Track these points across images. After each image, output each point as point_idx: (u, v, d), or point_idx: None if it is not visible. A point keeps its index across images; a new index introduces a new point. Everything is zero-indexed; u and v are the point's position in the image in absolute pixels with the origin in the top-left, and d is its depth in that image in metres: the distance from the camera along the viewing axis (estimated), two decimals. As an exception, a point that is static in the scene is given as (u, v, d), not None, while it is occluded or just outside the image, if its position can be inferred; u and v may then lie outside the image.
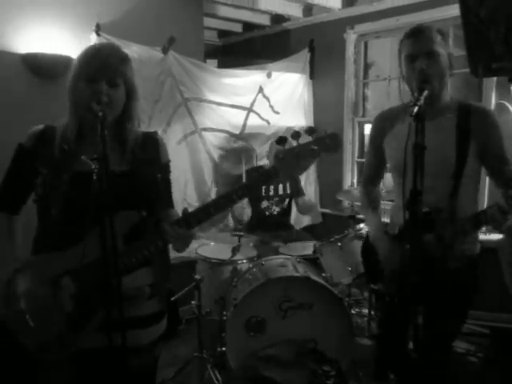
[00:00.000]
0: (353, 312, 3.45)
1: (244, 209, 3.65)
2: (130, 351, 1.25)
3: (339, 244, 2.84)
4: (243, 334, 2.53)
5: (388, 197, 2.83)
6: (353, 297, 3.38)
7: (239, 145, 3.91)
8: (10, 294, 1.36)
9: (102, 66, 1.34)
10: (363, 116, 4.18)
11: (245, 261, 2.93)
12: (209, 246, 3.29)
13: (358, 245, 2.78)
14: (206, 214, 1.40)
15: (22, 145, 1.43)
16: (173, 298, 2.75)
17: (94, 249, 1.31)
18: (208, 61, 4.06)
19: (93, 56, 1.36)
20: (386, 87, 3.96)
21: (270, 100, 4.06)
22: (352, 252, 2.81)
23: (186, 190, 3.56)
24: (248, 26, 4.75)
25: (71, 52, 2.86)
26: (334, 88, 4.22)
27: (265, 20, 4.57)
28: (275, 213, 3.67)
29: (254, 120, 3.98)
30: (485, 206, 3.23)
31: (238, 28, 4.82)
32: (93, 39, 2.95)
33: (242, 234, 3.12)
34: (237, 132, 3.89)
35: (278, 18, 4.50)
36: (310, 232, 3.94)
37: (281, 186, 3.66)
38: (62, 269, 1.35)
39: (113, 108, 1.37)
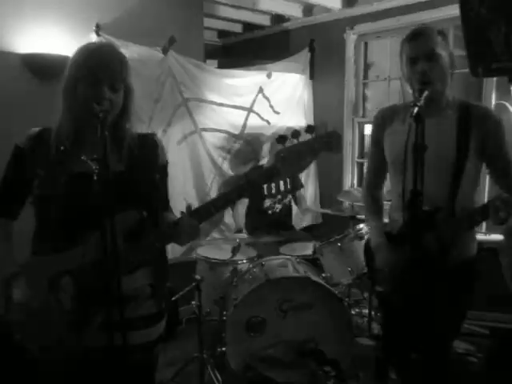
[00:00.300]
0: (353, 312, 3.45)
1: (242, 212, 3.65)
2: (129, 351, 1.24)
3: (339, 244, 2.84)
4: (243, 334, 2.53)
5: (388, 196, 2.82)
6: (353, 297, 3.39)
7: (243, 146, 3.90)
8: (9, 296, 1.36)
9: (105, 70, 1.33)
10: (363, 116, 4.18)
11: (245, 261, 2.94)
12: (209, 246, 3.29)
13: (358, 245, 2.78)
14: (207, 213, 1.40)
15: (19, 147, 1.42)
16: (173, 298, 2.76)
17: (94, 249, 1.31)
18: (208, 61, 4.06)
19: (94, 59, 1.34)
20: (385, 87, 3.96)
21: (270, 100, 4.06)
22: (352, 252, 2.81)
23: (186, 189, 3.56)
24: (248, 27, 4.75)
25: (71, 52, 2.85)
26: (334, 88, 4.22)
27: (265, 20, 4.57)
28: (278, 211, 3.67)
29: (254, 120, 3.97)
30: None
31: (238, 28, 4.82)
32: (93, 39, 2.94)
33: (243, 235, 3.13)
34: (237, 132, 3.89)
35: (278, 19, 4.50)
36: (310, 232, 3.94)
37: (282, 183, 3.65)
38: (62, 269, 1.35)
39: (113, 111, 1.37)
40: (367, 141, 4.17)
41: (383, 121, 1.91)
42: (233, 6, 4.07)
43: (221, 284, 2.87)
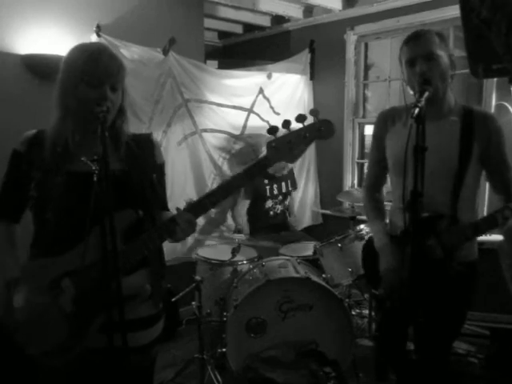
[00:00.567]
0: (353, 313, 3.44)
1: (243, 211, 3.65)
2: (127, 353, 1.24)
3: (339, 245, 2.84)
4: (244, 335, 2.53)
5: (389, 197, 2.82)
6: (353, 298, 3.38)
7: (243, 147, 3.90)
8: (9, 301, 1.36)
9: (106, 71, 1.33)
10: (363, 117, 4.18)
11: (245, 262, 2.93)
12: (209, 247, 3.29)
13: (358, 246, 2.78)
14: (202, 208, 1.40)
15: (16, 150, 1.42)
16: (173, 299, 2.75)
17: (93, 250, 1.31)
18: (208, 62, 4.06)
19: (95, 60, 1.33)
20: (386, 88, 3.96)
21: (270, 101, 4.06)
22: (352, 253, 2.81)
23: (186, 190, 3.56)
24: (248, 27, 4.75)
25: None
26: (334, 89, 4.23)
27: (265, 21, 4.57)
28: (279, 211, 3.68)
29: (254, 121, 3.97)
30: (484, 209, 3.23)
31: (238, 29, 4.82)
32: (93, 40, 2.95)
33: (243, 235, 3.13)
34: (237, 133, 3.89)
35: (278, 19, 4.50)
36: (311, 233, 3.95)
37: (283, 184, 3.67)
38: (61, 272, 1.34)
39: (113, 111, 1.37)
40: (367, 141, 4.17)
41: (385, 123, 1.91)
42: (233, 7, 4.07)
43: (221, 285, 2.87)
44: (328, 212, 4.04)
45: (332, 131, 1.36)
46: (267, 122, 4.04)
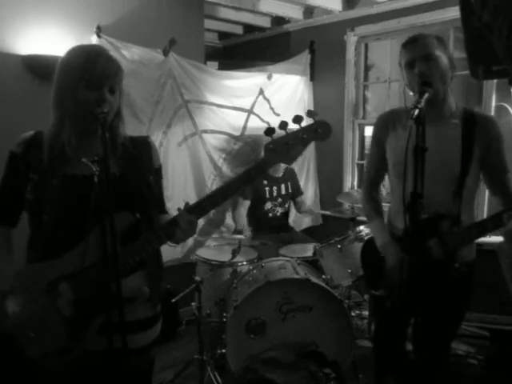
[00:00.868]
0: (353, 314, 3.44)
1: (243, 212, 3.65)
2: (126, 355, 1.24)
3: (339, 246, 2.84)
4: (243, 336, 2.53)
5: (388, 198, 2.83)
6: (353, 299, 3.38)
7: (241, 147, 3.91)
8: (5, 307, 1.35)
9: (104, 74, 1.33)
10: (363, 118, 4.18)
11: (245, 262, 2.94)
12: (209, 247, 3.29)
13: (358, 247, 2.77)
14: (201, 211, 1.40)
15: (13, 152, 1.41)
16: (173, 300, 2.75)
17: (92, 251, 1.31)
18: (208, 63, 4.06)
19: (94, 62, 1.33)
20: (386, 89, 3.96)
21: (270, 102, 4.06)
22: (352, 254, 2.81)
23: (186, 191, 3.56)
24: (249, 28, 4.76)
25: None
26: (334, 90, 4.23)
27: (265, 22, 4.57)
28: (278, 214, 3.68)
29: (254, 122, 3.97)
30: (484, 209, 3.24)
31: (238, 30, 4.83)
32: (94, 41, 2.95)
33: (243, 236, 3.13)
34: (237, 134, 3.89)
35: (278, 20, 4.50)
36: (311, 234, 3.95)
37: (283, 187, 3.67)
38: (58, 275, 1.34)
39: (111, 113, 1.37)
40: (367, 142, 4.17)
41: (386, 126, 1.91)
42: (233, 8, 4.08)
43: (221, 286, 2.87)
44: (328, 213, 4.04)
45: (329, 132, 1.37)
46: (267, 122, 4.04)
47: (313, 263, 2.97)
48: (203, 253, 3.07)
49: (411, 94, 1.75)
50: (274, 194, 3.63)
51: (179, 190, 3.47)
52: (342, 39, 4.06)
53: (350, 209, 3.43)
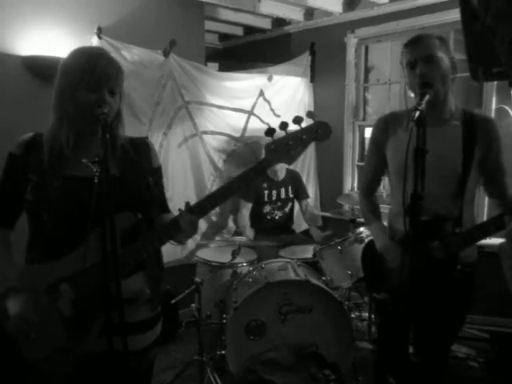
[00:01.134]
0: (353, 316, 3.44)
1: (245, 217, 3.65)
2: (127, 356, 1.24)
3: (339, 248, 2.84)
4: (243, 337, 2.53)
5: (388, 200, 2.83)
6: (353, 300, 3.38)
7: (240, 148, 3.91)
8: (5, 309, 1.35)
9: (104, 76, 1.33)
10: (364, 120, 4.18)
11: (245, 264, 2.93)
12: (209, 248, 3.29)
13: (358, 248, 2.78)
14: (201, 211, 1.40)
15: (12, 153, 1.41)
16: (173, 301, 2.75)
17: (93, 252, 1.31)
18: (209, 64, 4.07)
19: (94, 64, 1.33)
20: (386, 91, 3.96)
21: (270, 103, 4.06)
22: (352, 256, 2.81)
23: (186, 192, 3.56)
24: (249, 30, 4.76)
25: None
26: (334, 91, 4.23)
27: (266, 24, 4.58)
28: (277, 217, 3.68)
29: (254, 123, 3.98)
30: (485, 210, 3.24)
31: (239, 31, 4.83)
32: (94, 42, 2.95)
33: (243, 237, 3.13)
34: (237, 135, 3.90)
35: (279, 22, 4.50)
36: (310, 235, 3.94)
37: (283, 191, 3.66)
38: (58, 277, 1.34)
39: (111, 115, 1.37)
40: (368, 144, 4.17)
41: (386, 130, 1.90)
42: (234, 10, 4.08)
43: (221, 287, 2.87)
44: (328, 214, 4.04)
45: (328, 133, 1.38)
46: (267, 124, 4.04)
47: (313, 265, 2.97)
48: (203, 254, 3.07)
49: (412, 95, 1.75)
50: (273, 197, 3.63)
51: (179, 191, 3.47)
52: (343, 41, 4.07)
53: (350, 210, 3.44)
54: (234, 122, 3.85)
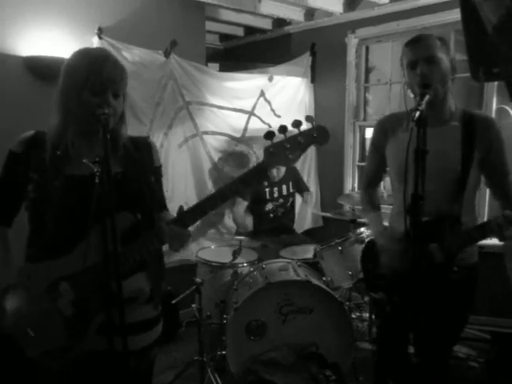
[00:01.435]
0: (353, 316, 3.44)
1: (246, 216, 3.65)
2: (127, 355, 1.24)
3: (340, 248, 2.84)
4: (244, 337, 2.53)
5: (389, 200, 2.83)
6: (353, 301, 3.38)
7: (239, 148, 3.91)
8: (3, 307, 1.35)
9: (109, 79, 1.34)
10: (364, 120, 4.18)
11: (245, 264, 2.93)
12: (209, 249, 3.29)
13: (358, 249, 2.78)
14: (201, 212, 1.40)
15: (13, 151, 1.41)
16: (173, 301, 2.75)
17: (93, 251, 1.31)
18: (210, 64, 4.07)
19: (99, 67, 1.33)
20: (387, 91, 3.96)
21: (271, 104, 4.07)
22: (353, 256, 2.81)
23: (187, 192, 3.56)
24: (250, 30, 4.76)
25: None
26: (335, 92, 4.23)
27: (266, 24, 4.58)
28: (280, 214, 3.68)
29: (255, 123, 3.98)
30: (485, 211, 3.24)
31: (239, 32, 4.83)
32: (95, 42, 2.96)
33: (244, 237, 3.13)
34: (238, 135, 3.90)
35: (279, 22, 4.50)
36: (311, 236, 3.94)
37: (284, 187, 3.66)
38: (58, 275, 1.34)
39: (115, 117, 1.38)
40: (368, 144, 4.17)
41: (385, 132, 1.91)
42: (234, 10, 4.08)
43: (221, 287, 2.87)
44: (328, 215, 4.04)
45: (327, 137, 1.40)
46: (268, 124, 4.04)
47: (313, 265, 2.96)
48: (204, 254, 3.07)
49: (411, 95, 1.75)
50: (275, 194, 3.63)
51: (179, 191, 3.47)
52: (343, 41, 4.07)
53: (351, 211, 3.44)
54: (234, 123, 3.85)
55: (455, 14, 2.94)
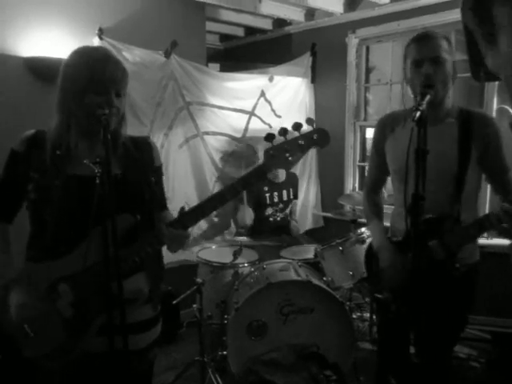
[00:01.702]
0: (354, 316, 3.44)
1: (246, 214, 3.65)
2: (125, 357, 1.24)
3: (341, 248, 2.83)
4: (244, 337, 2.53)
5: (389, 200, 2.83)
6: (354, 301, 3.38)
7: (241, 148, 3.91)
8: (6, 305, 1.36)
9: (112, 79, 1.34)
10: (365, 120, 4.18)
11: (246, 264, 2.93)
12: (210, 249, 3.29)
13: (359, 249, 2.78)
14: (201, 213, 1.41)
15: (14, 150, 1.41)
16: (174, 302, 2.75)
17: (93, 252, 1.31)
18: (210, 65, 4.07)
19: (102, 69, 1.33)
20: (387, 91, 3.96)
21: (271, 104, 4.07)
22: (353, 256, 2.81)
23: (187, 193, 3.56)
24: (250, 30, 4.76)
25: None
26: (335, 92, 4.23)
27: (267, 24, 4.58)
28: (279, 219, 3.68)
29: (255, 124, 3.98)
30: (486, 210, 3.23)
31: (239, 32, 4.84)
32: (95, 43, 2.96)
33: (244, 238, 3.13)
34: (238, 136, 3.90)
35: (280, 23, 4.51)
36: (312, 236, 3.94)
37: (285, 193, 3.67)
38: (58, 276, 1.34)
39: (118, 117, 1.38)
40: (369, 144, 4.17)
41: (384, 129, 1.92)
42: (235, 10, 4.08)
43: (222, 287, 2.87)
44: (329, 215, 4.04)
45: (327, 140, 1.40)
46: (269, 124, 4.05)
47: (314, 265, 2.96)
48: (204, 254, 3.07)
49: (410, 92, 1.75)
50: (275, 199, 3.64)
51: (180, 192, 3.47)
52: (344, 41, 4.07)
53: (352, 211, 3.44)
54: (235, 123, 3.85)
55: (456, 14, 2.94)
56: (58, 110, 1.38)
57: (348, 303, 2.94)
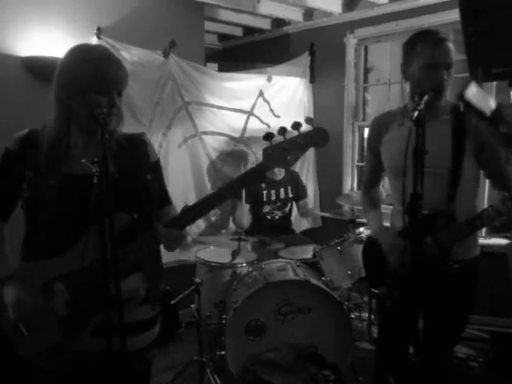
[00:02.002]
0: (352, 316, 3.45)
1: (244, 214, 3.64)
2: (123, 357, 1.24)
3: (339, 248, 2.84)
4: (243, 337, 2.53)
5: (388, 200, 2.83)
6: (352, 301, 3.38)
7: (238, 148, 3.91)
8: (4, 295, 1.36)
9: (114, 79, 1.34)
10: (363, 120, 4.18)
11: (244, 264, 2.93)
12: (209, 249, 3.29)
13: (358, 249, 2.78)
14: (199, 212, 1.40)
15: (8, 149, 1.41)
16: (172, 302, 2.75)
17: (90, 251, 1.30)
18: (208, 64, 4.07)
19: (105, 69, 1.32)
20: (385, 91, 3.96)
21: (270, 104, 4.07)
22: (352, 256, 2.81)
23: (186, 192, 3.56)
24: (248, 30, 4.76)
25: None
26: (334, 92, 4.23)
27: (265, 24, 4.58)
28: (277, 217, 3.67)
29: (254, 124, 3.98)
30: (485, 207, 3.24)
31: (238, 32, 4.83)
32: (94, 42, 2.95)
33: (242, 237, 3.12)
34: (237, 135, 3.90)
35: (278, 22, 4.51)
36: (310, 236, 3.94)
37: (282, 191, 3.66)
38: (54, 275, 1.34)
39: (118, 116, 1.37)
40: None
41: (379, 129, 1.92)
42: (233, 10, 4.08)
43: (220, 287, 2.86)
44: (327, 215, 4.04)
45: (326, 139, 1.39)
46: (267, 124, 4.05)
47: (312, 265, 2.96)
48: (203, 254, 3.07)
49: (408, 87, 1.76)
50: (273, 197, 3.63)
51: (179, 192, 3.46)
52: (342, 41, 4.07)
53: (350, 211, 3.44)
54: (233, 123, 3.85)
55: (454, 14, 2.94)
56: (57, 108, 1.36)
57: (346, 303, 2.94)
